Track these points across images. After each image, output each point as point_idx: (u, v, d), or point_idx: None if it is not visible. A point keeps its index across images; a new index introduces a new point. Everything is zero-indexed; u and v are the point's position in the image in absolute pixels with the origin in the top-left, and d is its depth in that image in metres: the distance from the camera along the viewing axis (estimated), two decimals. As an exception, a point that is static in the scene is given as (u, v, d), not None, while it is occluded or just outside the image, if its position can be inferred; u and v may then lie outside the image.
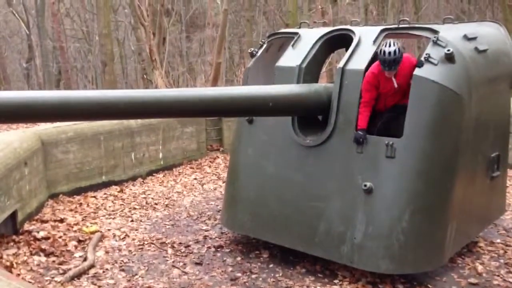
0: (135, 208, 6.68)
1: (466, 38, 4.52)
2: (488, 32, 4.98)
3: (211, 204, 6.87)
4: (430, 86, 4.17)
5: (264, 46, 5.45)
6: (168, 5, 18.10)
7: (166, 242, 5.49)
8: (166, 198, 7.12)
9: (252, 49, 5.54)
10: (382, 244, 4.25)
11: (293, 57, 4.98)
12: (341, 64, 4.59)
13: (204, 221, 6.19)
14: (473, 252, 5.03)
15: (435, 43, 4.29)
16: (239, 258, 5.05)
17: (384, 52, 4.22)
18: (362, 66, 4.48)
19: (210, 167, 8.73)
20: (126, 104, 3.48)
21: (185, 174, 8.35)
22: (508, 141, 5.33)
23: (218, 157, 9.19)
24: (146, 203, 6.90)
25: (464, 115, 4.31)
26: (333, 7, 19.63)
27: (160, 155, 8.36)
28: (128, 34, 23.96)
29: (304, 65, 4.86)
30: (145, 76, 14.70)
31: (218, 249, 5.28)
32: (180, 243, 5.47)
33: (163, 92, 4.07)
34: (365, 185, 4.28)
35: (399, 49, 4.22)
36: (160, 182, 7.90)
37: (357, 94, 4.47)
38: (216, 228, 5.91)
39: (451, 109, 4.24)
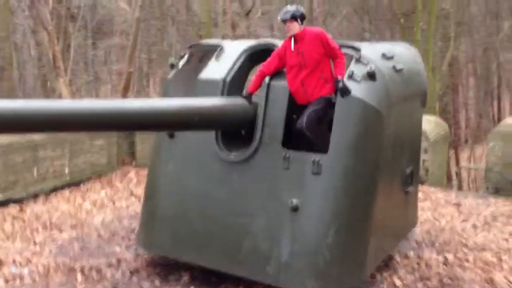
0: (37, 230, 6.07)
1: (385, 56, 4.66)
2: (401, 51, 5.20)
3: (124, 223, 6.44)
4: (354, 103, 4.22)
5: (186, 57, 5.24)
6: (74, 10, 17.13)
7: (75, 267, 5.01)
8: (73, 218, 6.57)
9: (172, 59, 5.31)
10: (308, 261, 4.19)
11: (216, 70, 4.83)
12: (266, 79, 4.51)
13: (117, 242, 5.76)
14: (389, 266, 5.15)
15: (358, 60, 4.37)
16: (157, 282, 4.73)
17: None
18: (286, 82, 4.44)
19: (121, 182, 8.25)
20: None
21: (94, 190, 7.81)
22: (420, 157, 5.59)
23: (130, 172, 8.73)
24: (51, 223, 6.31)
25: (384, 131, 4.42)
26: (244, 20, 19.86)
27: (66, 170, 7.75)
28: (27, 38, 22.39)
29: (228, 78, 4.72)
30: (49, 84, 13.70)
31: (134, 273, 4.91)
32: (91, 267, 5.02)
33: (74, 103, 3.71)
34: (291, 202, 4.20)
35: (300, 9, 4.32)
36: (66, 200, 7.30)
37: (283, 109, 4.40)
38: (131, 249, 5.51)
39: (373, 126, 4.33)
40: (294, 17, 4.30)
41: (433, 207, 7.13)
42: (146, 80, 23.57)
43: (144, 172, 8.67)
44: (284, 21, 4.32)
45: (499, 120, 25.04)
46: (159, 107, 4.00)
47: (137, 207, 7.05)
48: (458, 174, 11.47)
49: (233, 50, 4.94)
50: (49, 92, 16.67)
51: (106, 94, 19.57)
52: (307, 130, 4.26)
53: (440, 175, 9.25)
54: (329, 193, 4.22)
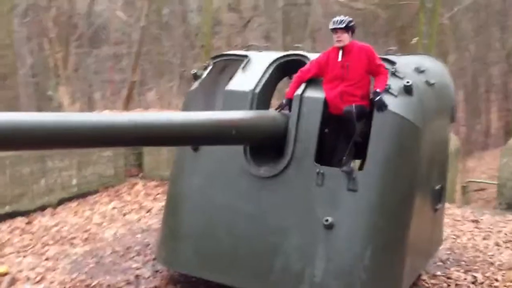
0: (48, 244, 5.84)
1: (418, 70, 4.55)
2: (430, 65, 5.08)
3: (138, 237, 6.23)
4: (391, 118, 4.08)
5: (210, 67, 5.09)
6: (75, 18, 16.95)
7: (92, 284, 4.81)
8: (84, 231, 6.35)
9: (195, 70, 5.15)
10: (343, 282, 4.01)
11: (244, 81, 4.67)
12: (299, 92, 4.36)
13: (133, 257, 5.55)
14: (419, 286, 5.00)
15: (394, 74, 4.24)
16: (180, 301, 4.54)
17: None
18: (321, 94, 4.30)
19: (129, 194, 8.03)
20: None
21: (102, 202, 7.58)
22: (447, 173, 5.46)
23: (137, 184, 8.50)
24: (61, 237, 6.08)
25: (421, 147, 4.29)
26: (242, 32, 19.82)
27: (74, 181, 7.52)
28: (22, 45, 22.10)
29: (257, 91, 4.57)
30: (49, 93, 13.47)
31: (155, 291, 4.72)
32: (109, 285, 4.81)
33: (118, 117, 3.50)
34: (326, 220, 4.04)
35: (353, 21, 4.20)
36: (74, 212, 7.07)
37: (317, 123, 4.25)
38: (148, 265, 5.31)
39: (410, 141, 4.20)
40: (347, 28, 4.16)
41: (452, 223, 7.00)
42: (142, 89, 23.33)
43: (152, 184, 8.53)
44: (336, 29, 4.18)
45: (488, 133, 25.19)
46: (196, 120, 3.78)
47: (148, 220, 6.86)
48: (465, 188, 11.37)
49: (261, 62, 4.79)
50: (45, 101, 16.41)
51: (104, 104, 19.28)
52: (355, 116, 4.09)
53: (451, 190, 9.15)
54: (366, 210, 4.06)
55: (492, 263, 5.58)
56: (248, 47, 5.35)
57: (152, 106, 17.44)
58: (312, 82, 4.41)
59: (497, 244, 6.24)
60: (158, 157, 8.72)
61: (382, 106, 4.04)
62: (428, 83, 4.56)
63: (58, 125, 2.91)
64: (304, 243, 4.14)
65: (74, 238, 6.08)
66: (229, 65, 5.07)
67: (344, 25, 4.14)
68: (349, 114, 4.08)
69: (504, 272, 5.32)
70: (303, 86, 4.39)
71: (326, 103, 4.27)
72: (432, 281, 5.13)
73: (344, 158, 4.10)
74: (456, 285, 5.00)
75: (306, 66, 4.41)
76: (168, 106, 15.16)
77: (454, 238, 6.42)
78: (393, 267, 4.16)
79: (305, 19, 20.45)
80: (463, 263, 5.59)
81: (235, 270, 4.36)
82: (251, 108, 4.53)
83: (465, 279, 5.13)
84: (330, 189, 4.12)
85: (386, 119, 4.08)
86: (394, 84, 4.19)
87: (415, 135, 4.21)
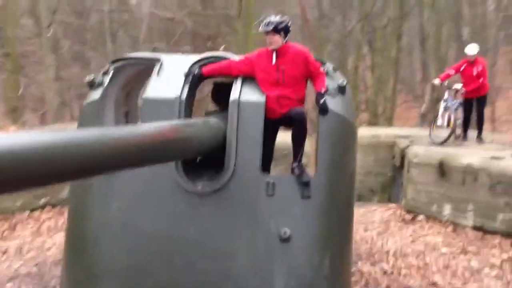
0: None
1: (334, 69, 4.60)
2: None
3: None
4: (335, 119, 4.01)
5: (111, 73, 4.31)
6: None
7: None
8: None
9: (91, 76, 4.31)
10: (306, 296, 3.78)
11: (164, 87, 4.08)
12: (235, 96, 3.97)
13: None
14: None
15: (328, 75, 4.19)
16: None
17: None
18: (260, 98, 3.99)
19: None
20: None
21: None
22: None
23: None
24: None
25: (356, 143, 4.36)
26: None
27: None
28: None
29: (183, 97, 4.02)
30: None
31: None
32: None
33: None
34: (284, 232, 3.75)
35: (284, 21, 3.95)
36: None
37: (259, 130, 3.92)
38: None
39: (351, 140, 4.23)
40: (276, 30, 3.89)
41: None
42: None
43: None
44: (266, 32, 3.89)
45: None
46: (112, 138, 2.39)
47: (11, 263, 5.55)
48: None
49: (178, 65, 4.25)
50: None
51: None
52: (302, 119, 3.86)
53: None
54: (320, 217, 3.90)
55: (387, 252, 5.99)
56: (154, 49, 4.72)
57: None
58: (245, 84, 4.07)
59: (379, 234, 6.75)
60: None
61: (326, 109, 3.94)
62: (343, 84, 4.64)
63: None
64: (258, 261, 3.78)
65: None
66: (135, 70, 4.40)
67: (271, 27, 3.89)
68: (300, 116, 3.87)
69: (401, 259, 5.76)
70: (237, 89, 4.01)
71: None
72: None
73: (296, 164, 3.88)
74: (374, 278, 5.19)
75: (239, 61, 4.03)
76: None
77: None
78: (346, 272, 4.10)
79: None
80: (364, 256, 5.87)
81: (179, 306, 3.76)
82: (179, 117, 3.97)
83: (376, 271, 5.38)
84: (282, 199, 3.84)
85: (331, 121, 3.99)
86: (330, 84, 4.13)
87: (353, 132, 4.26)
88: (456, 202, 6.91)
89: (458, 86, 8.08)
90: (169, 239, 3.82)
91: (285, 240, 3.76)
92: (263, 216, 3.82)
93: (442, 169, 7.11)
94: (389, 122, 16.58)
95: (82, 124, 4.22)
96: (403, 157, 8.26)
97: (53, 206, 7.42)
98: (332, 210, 3.95)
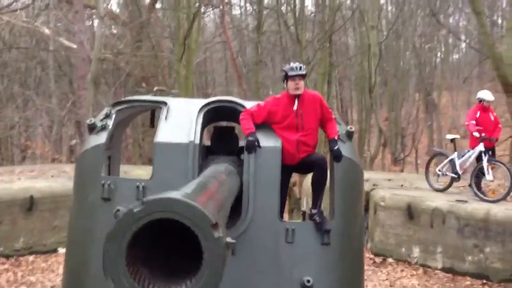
0: None
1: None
2: None
3: None
4: (348, 164, 4.06)
5: (113, 116, 4.09)
6: None
7: None
8: None
9: (92, 119, 4.07)
10: None
11: (176, 132, 3.94)
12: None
13: None
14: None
15: (336, 121, 4.27)
16: None
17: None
18: (277, 143, 3.96)
19: None
20: None
21: None
22: None
23: None
24: None
25: (363, 188, 4.48)
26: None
27: None
28: None
29: (197, 141, 3.90)
30: None
31: None
32: None
33: None
34: (308, 281, 3.66)
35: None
36: None
37: (276, 175, 3.86)
38: None
39: (360, 183, 4.30)
40: (305, 75, 3.94)
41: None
42: None
43: None
44: (296, 76, 3.89)
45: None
46: None
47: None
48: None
49: (186, 109, 4.14)
50: None
51: None
52: (324, 163, 3.86)
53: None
54: (340, 264, 3.87)
55: None
56: (156, 92, 4.57)
57: None
58: (260, 130, 4.03)
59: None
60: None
61: (340, 155, 3.98)
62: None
63: None
64: (281, 312, 3.65)
65: None
66: (136, 113, 4.23)
67: (304, 72, 3.96)
68: (322, 161, 3.88)
69: None
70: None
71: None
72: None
73: (316, 211, 3.84)
74: None
75: (256, 110, 4.00)
76: None
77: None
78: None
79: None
80: None
81: None
82: (193, 162, 3.83)
83: None
84: (302, 246, 3.78)
85: (345, 167, 4.03)
86: (339, 130, 4.20)
87: (361, 175, 4.32)
88: (425, 244, 7.15)
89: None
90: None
91: (309, 288, 3.67)
92: (284, 264, 3.73)
93: (410, 212, 7.38)
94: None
95: (86, 169, 3.94)
96: (367, 200, 8.47)
97: (7, 257, 6.77)
98: (349, 255, 3.95)
